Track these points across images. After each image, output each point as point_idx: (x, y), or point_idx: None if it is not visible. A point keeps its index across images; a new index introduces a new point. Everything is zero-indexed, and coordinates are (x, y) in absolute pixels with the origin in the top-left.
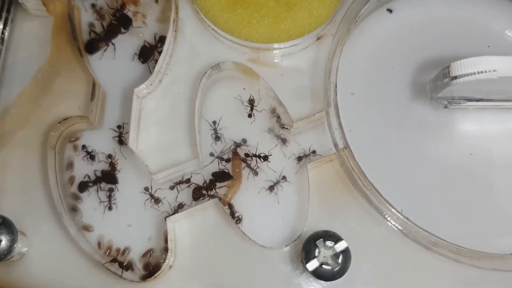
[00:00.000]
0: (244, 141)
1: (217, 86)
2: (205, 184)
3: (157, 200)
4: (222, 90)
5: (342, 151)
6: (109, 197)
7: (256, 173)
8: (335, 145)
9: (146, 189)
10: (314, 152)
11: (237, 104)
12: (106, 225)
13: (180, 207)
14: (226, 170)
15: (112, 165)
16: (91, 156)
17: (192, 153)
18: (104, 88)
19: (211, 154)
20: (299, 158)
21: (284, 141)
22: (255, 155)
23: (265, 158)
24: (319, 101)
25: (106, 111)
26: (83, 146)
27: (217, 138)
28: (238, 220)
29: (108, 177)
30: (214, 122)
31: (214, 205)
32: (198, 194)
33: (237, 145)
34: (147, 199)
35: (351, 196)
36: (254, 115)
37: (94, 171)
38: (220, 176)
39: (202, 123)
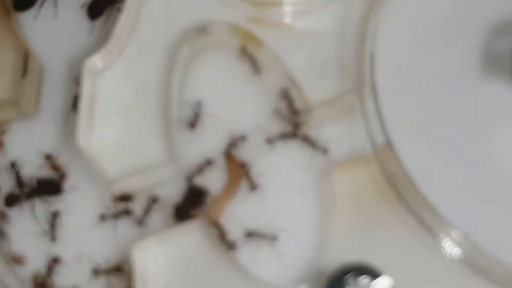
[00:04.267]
0: (243, 138)
1: (203, 58)
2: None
3: (126, 212)
4: (211, 64)
5: (382, 150)
6: (53, 223)
7: (254, 188)
8: (372, 141)
9: (102, 216)
10: (338, 151)
11: (232, 83)
12: (45, 255)
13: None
14: (203, 188)
15: (56, 169)
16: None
17: (167, 154)
18: (41, 61)
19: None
20: (319, 160)
21: (298, 136)
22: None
23: None
24: (348, 79)
25: (44, 94)
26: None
27: (192, 126)
28: (232, 246)
29: (48, 186)
30: (199, 105)
31: (200, 228)
32: (184, 213)
33: (233, 142)
34: (104, 218)
35: (394, 214)
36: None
37: (31, 179)
38: (195, 196)
39: (182, 111)
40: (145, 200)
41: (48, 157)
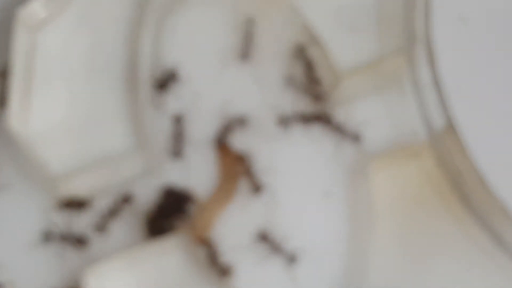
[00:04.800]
0: (241, 120)
1: (184, 8)
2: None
3: (79, 242)
4: (196, 13)
5: (441, 137)
6: None
7: (258, 189)
8: (427, 124)
9: (47, 236)
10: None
11: (225, 42)
12: None
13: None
14: (184, 191)
15: None
16: None
17: (133, 141)
18: None
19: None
20: (349, 152)
21: (319, 117)
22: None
23: None
24: (392, 34)
25: None
26: None
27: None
28: (225, 272)
29: None
30: (172, 75)
31: (181, 246)
32: (158, 225)
33: (228, 126)
34: (48, 237)
35: (457, 226)
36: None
37: None
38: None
39: (155, 79)
40: (112, 197)
41: None
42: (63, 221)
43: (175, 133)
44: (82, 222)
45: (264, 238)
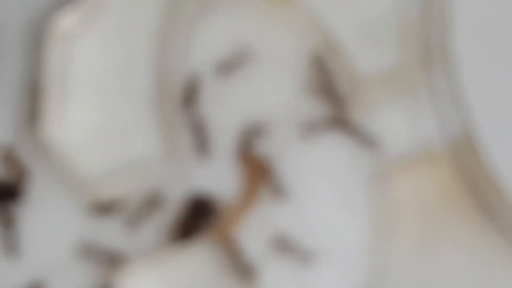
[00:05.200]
0: (262, 128)
1: (214, 16)
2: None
3: (113, 260)
4: (225, 24)
5: (461, 146)
6: (8, 226)
7: (280, 195)
8: (446, 132)
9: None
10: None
11: (252, 49)
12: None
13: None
14: (209, 198)
15: (15, 167)
16: None
17: (161, 147)
18: None
19: None
20: (369, 159)
21: (339, 124)
22: None
23: None
24: (411, 43)
25: None
26: None
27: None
28: (250, 274)
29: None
30: (198, 84)
31: (206, 248)
32: (188, 228)
33: (250, 134)
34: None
35: (478, 235)
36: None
37: None
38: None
39: (183, 89)
40: (142, 202)
41: (8, 156)
42: (95, 226)
43: (197, 134)
44: (113, 226)
45: (286, 242)
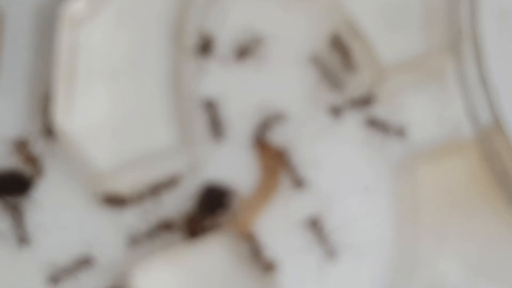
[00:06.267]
0: (280, 116)
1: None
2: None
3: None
4: (242, 9)
5: (487, 133)
6: (17, 220)
7: (300, 184)
8: (473, 120)
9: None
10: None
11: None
12: (10, 270)
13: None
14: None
15: (29, 159)
16: None
17: (175, 138)
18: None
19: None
20: (393, 147)
21: (360, 110)
22: None
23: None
24: (437, 30)
25: (5, 51)
26: None
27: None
28: (269, 267)
29: (10, 182)
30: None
31: (224, 243)
32: (197, 226)
33: (267, 122)
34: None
35: (502, 222)
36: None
37: None
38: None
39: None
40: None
41: (21, 144)
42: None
43: (211, 119)
44: (126, 219)
45: (313, 225)
